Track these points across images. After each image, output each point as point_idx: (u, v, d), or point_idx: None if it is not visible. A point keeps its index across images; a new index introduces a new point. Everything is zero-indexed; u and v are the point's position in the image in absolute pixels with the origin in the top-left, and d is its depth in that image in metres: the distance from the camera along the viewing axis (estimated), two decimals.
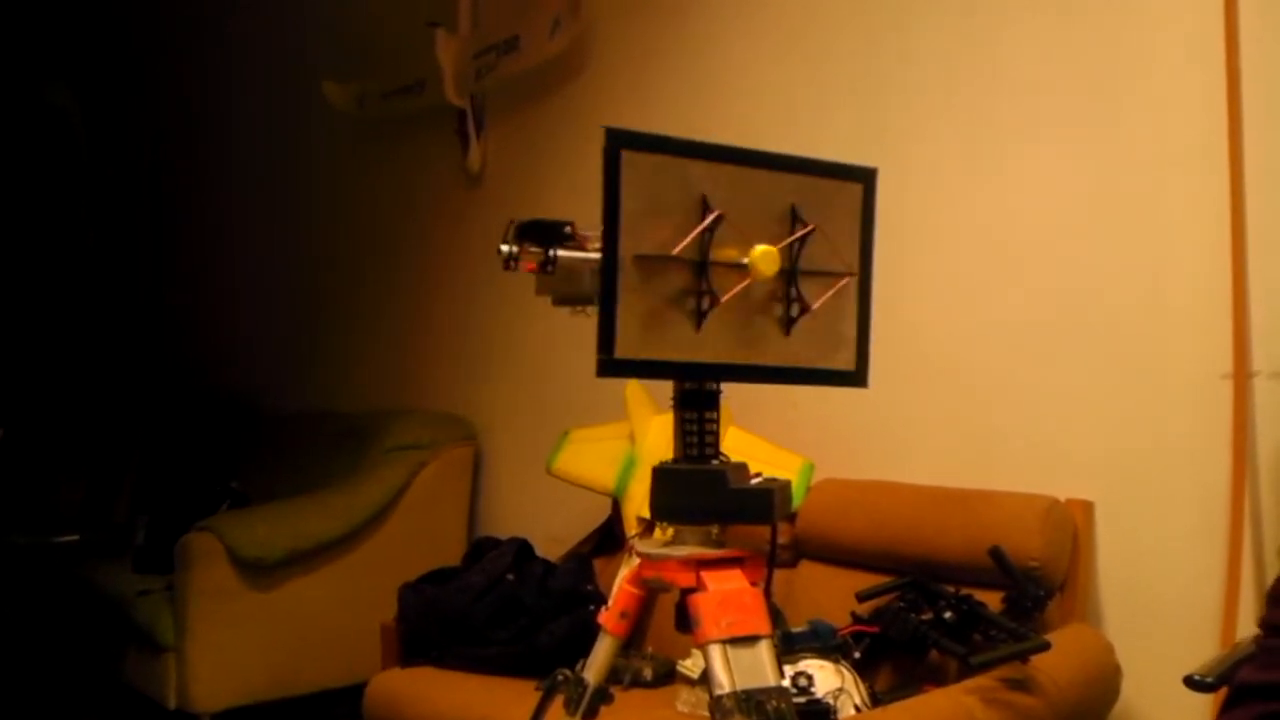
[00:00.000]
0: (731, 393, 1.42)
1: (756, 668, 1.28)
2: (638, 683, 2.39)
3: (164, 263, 5.60)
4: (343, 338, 4.36)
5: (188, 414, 4.83)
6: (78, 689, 3.74)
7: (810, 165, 1.40)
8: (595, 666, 1.48)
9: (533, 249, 1.37)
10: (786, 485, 1.39)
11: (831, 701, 1.89)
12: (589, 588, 2.72)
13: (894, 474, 2.47)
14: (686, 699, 2.19)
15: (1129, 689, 2.03)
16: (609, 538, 2.92)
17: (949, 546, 2.17)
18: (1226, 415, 2.00)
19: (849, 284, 1.43)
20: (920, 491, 2.33)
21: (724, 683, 1.26)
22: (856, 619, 2.14)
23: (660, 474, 1.38)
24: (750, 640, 1.29)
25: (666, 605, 1.47)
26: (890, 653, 2.10)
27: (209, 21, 5.08)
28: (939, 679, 2.02)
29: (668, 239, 1.27)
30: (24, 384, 5.37)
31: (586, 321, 1.58)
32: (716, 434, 1.39)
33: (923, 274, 2.50)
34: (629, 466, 2.74)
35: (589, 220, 1.37)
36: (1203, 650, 1.84)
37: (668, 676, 2.37)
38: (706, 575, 1.32)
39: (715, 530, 1.38)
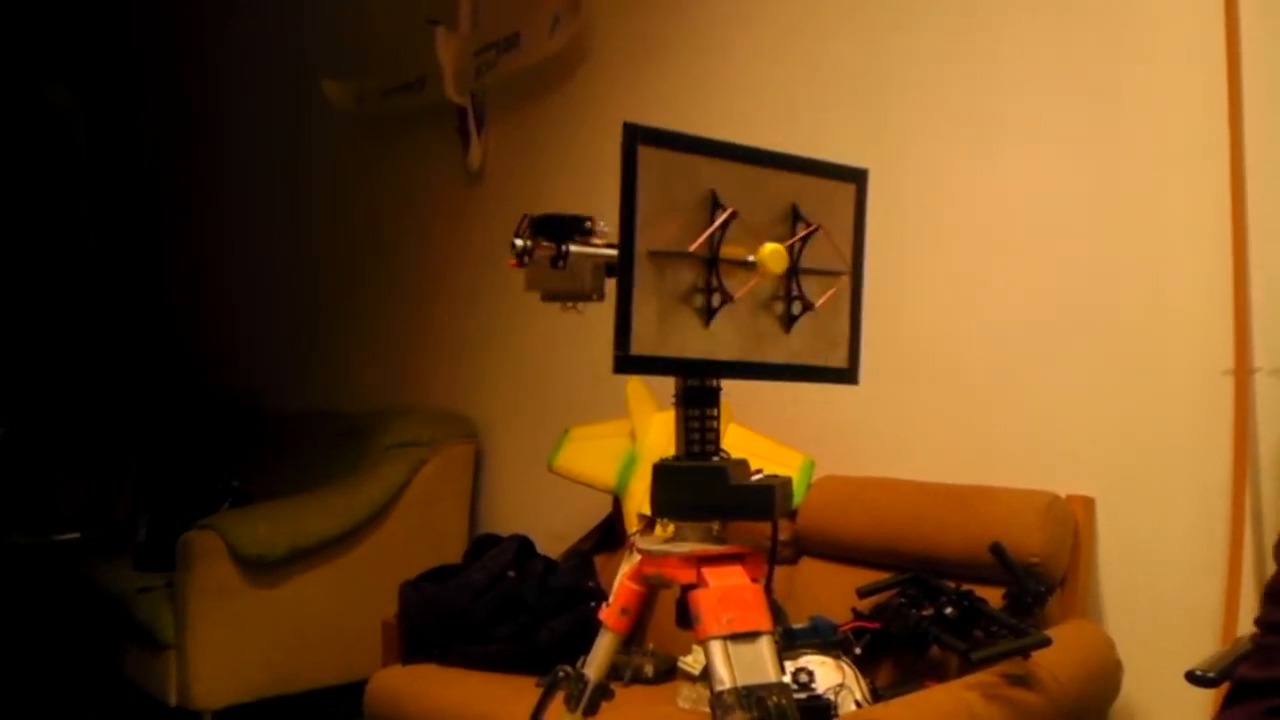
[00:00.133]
0: (730, 390, 1.42)
1: (757, 664, 1.29)
2: (638, 679, 2.39)
3: (164, 262, 5.61)
4: (343, 336, 4.36)
5: (188, 412, 4.84)
6: (79, 686, 3.74)
7: (808, 165, 1.41)
8: (596, 663, 1.49)
9: (545, 243, 1.37)
10: (787, 482, 1.39)
11: (832, 697, 1.89)
12: (590, 585, 2.73)
13: (895, 470, 2.47)
14: (687, 695, 2.19)
15: (1130, 685, 2.03)
16: (610, 535, 2.92)
17: (950, 543, 2.18)
18: (1227, 411, 2.00)
19: (844, 282, 1.43)
20: (921, 488, 2.33)
21: (725, 678, 1.27)
22: (857, 615, 2.14)
23: (661, 470, 1.38)
24: (751, 636, 1.30)
25: (667, 602, 1.47)
26: (891, 649, 2.11)
27: (209, 21, 5.08)
28: (940, 675, 2.02)
29: (675, 236, 1.28)
30: (25, 382, 5.38)
31: (587, 320, 1.59)
32: (717, 431, 1.40)
33: (924, 271, 2.50)
34: (630, 464, 2.75)
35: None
36: (1204, 646, 1.84)
37: (669, 673, 2.38)
38: (707, 571, 1.33)
39: (716, 526, 1.38)
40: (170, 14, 5.31)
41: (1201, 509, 2.05)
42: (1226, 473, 2.00)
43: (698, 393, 1.39)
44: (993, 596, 2.03)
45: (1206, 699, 1.80)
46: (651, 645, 2.54)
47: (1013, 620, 1.91)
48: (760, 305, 1.37)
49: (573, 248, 1.38)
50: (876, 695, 1.97)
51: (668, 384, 1.42)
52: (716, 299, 1.31)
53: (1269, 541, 1.96)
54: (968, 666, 1.82)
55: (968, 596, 2.03)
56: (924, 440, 2.50)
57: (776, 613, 1.84)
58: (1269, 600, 0.94)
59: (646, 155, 1.25)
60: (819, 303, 1.40)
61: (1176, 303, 2.10)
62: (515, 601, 2.63)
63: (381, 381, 4.14)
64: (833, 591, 2.29)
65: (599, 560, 2.86)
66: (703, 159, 1.30)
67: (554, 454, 2.88)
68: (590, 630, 1.53)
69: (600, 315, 1.45)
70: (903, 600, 2.09)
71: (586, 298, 1.47)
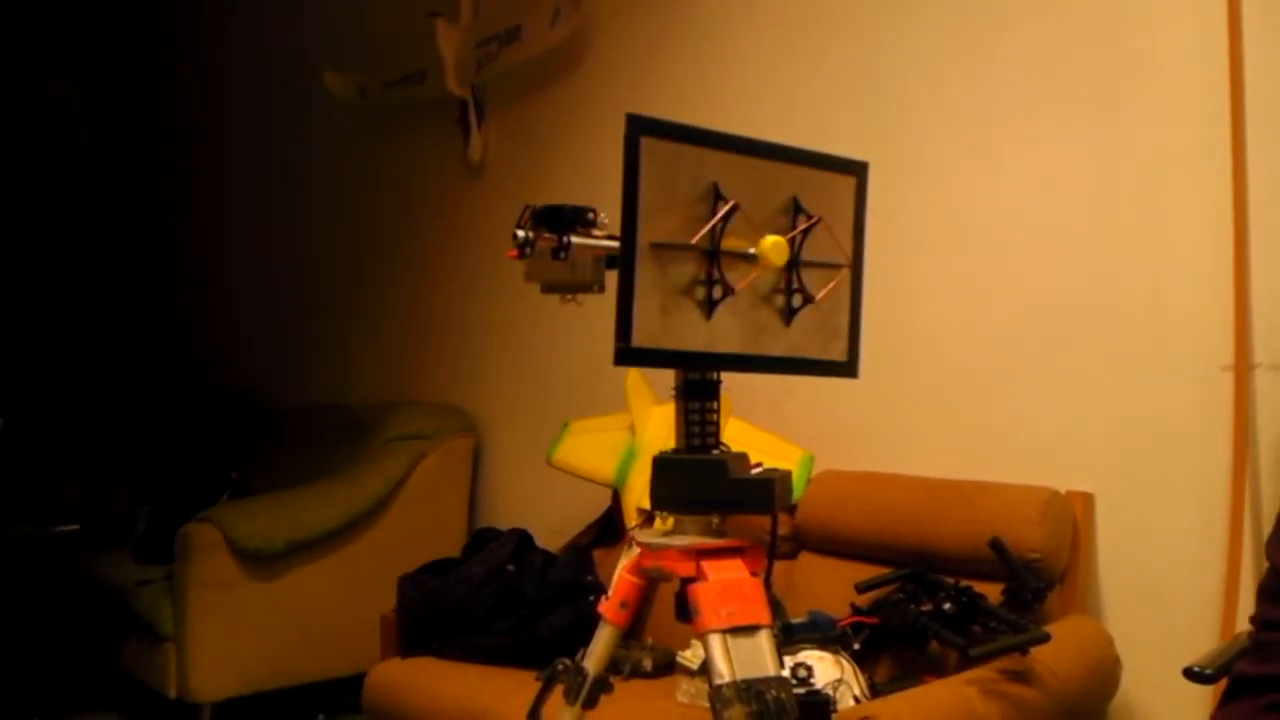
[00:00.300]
0: (730, 384, 1.42)
1: (756, 657, 1.28)
2: (637, 673, 2.39)
3: (164, 254, 5.60)
4: (343, 329, 4.36)
5: (188, 405, 4.83)
6: (78, 678, 3.75)
7: (809, 157, 1.40)
8: (595, 656, 1.48)
9: (547, 235, 1.37)
10: (787, 475, 1.39)
11: (831, 692, 1.89)
12: (589, 579, 2.73)
13: (894, 466, 2.47)
14: (686, 689, 2.19)
15: (1129, 681, 2.03)
16: (609, 529, 2.92)
17: (949, 538, 2.17)
18: (1227, 407, 2.00)
19: (844, 275, 1.43)
20: (921, 483, 2.33)
21: (724, 672, 1.26)
22: (856, 610, 2.14)
23: (661, 463, 1.38)
24: (750, 630, 1.30)
25: (666, 597, 1.47)
26: (890, 644, 2.11)
27: (210, 15, 5.07)
28: (938, 670, 2.02)
29: (677, 227, 1.27)
30: (25, 374, 5.37)
31: (587, 313, 1.58)
32: (717, 424, 1.39)
33: (924, 267, 2.50)
34: (629, 457, 2.74)
35: None
36: (1203, 642, 1.84)
37: (667, 667, 2.38)
38: (707, 565, 1.32)
39: (716, 520, 1.38)
40: (172, 8, 5.30)
41: (1201, 505, 2.05)
42: (1226, 468, 2.00)
43: (698, 386, 1.39)
44: (992, 592, 2.02)
45: (1205, 695, 1.80)
46: (650, 639, 2.54)
47: (1012, 616, 1.90)
48: (761, 298, 1.36)
49: (574, 239, 1.38)
50: (875, 690, 1.97)
51: (666, 377, 1.42)
52: (718, 291, 1.30)
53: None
54: (966, 662, 1.82)
55: (967, 592, 2.02)
56: (923, 435, 2.50)
57: (776, 607, 1.85)
58: (1263, 598, 0.94)
59: (649, 146, 1.24)
60: (819, 295, 1.39)
61: (1176, 298, 2.10)
62: (514, 595, 2.63)
63: (381, 375, 4.14)
64: (832, 586, 2.28)
65: (598, 554, 2.86)
66: (705, 150, 1.30)
67: (553, 447, 2.88)
68: (589, 624, 1.53)
69: (600, 308, 1.44)
70: (902, 595, 2.09)
71: (587, 289, 1.47)
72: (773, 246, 1.30)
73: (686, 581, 1.33)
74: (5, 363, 5.32)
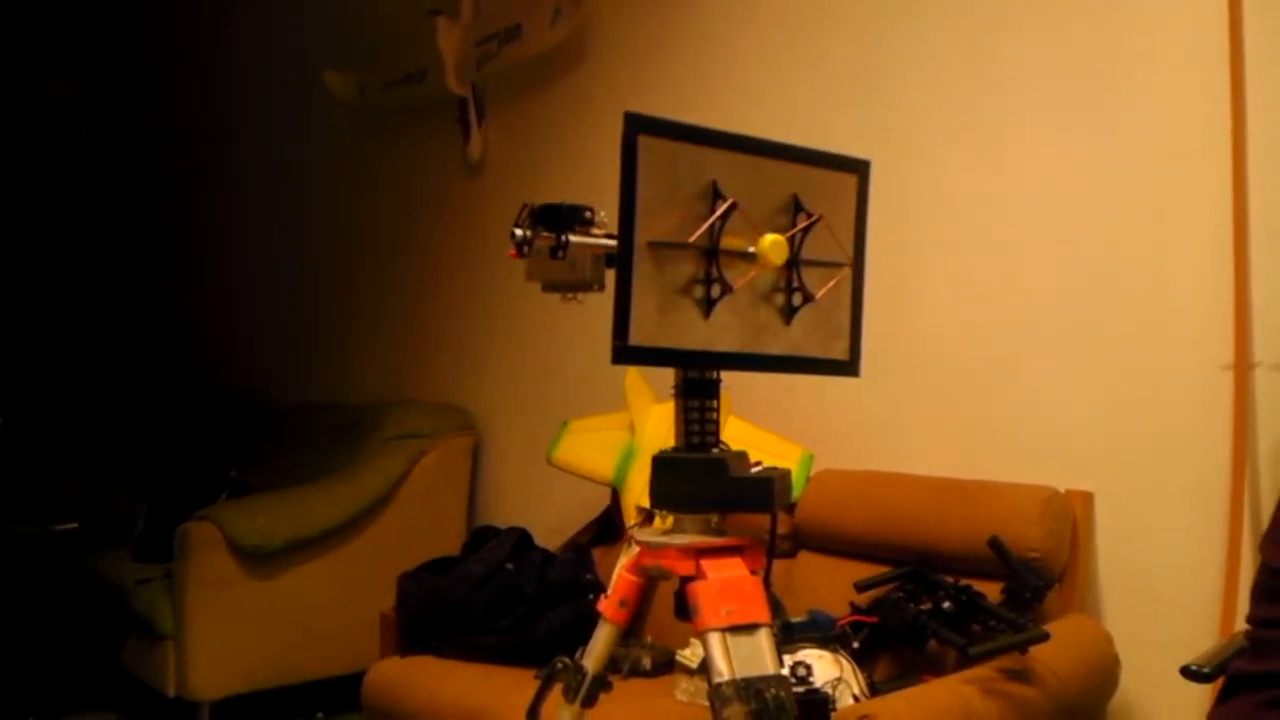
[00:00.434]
0: (729, 382, 1.42)
1: (755, 656, 1.28)
2: (636, 672, 2.39)
3: (164, 253, 5.60)
4: (342, 327, 4.36)
5: (188, 404, 4.83)
6: (77, 676, 3.75)
7: (810, 155, 1.40)
8: (594, 654, 1.48)
9: (545, 234, 1.37)
10: (787, 474, 1.39)
11: (830, 691, 1.89)
12: (588, 577, 2.73)
13: (894, 464, 2.47)
14: (685, 688, 2.19)
15: (1128, 679, 2.03)
16: (608, 528, 2.92)
17: (948, 537, 2.17)
18: (1227, 406, 2.00)
19: (845, 274, 1.43)
20: (920, 482, 2.33)
21: (723, 671, 1.26)
22: (855, 609, 2.14)
23: (661, 462, 1.37)
24: (749, 629, 1.29)
25: (665, 596, 1.47)
26: (889, 643, 2.11)
27: (210, 14, 5.07)
28: (938, 669, 2.02)
29: (675, 226, 1.27)
30: (24, 372, 5.37)
31: (586, 311, 1.58)
32: (717, 423, 1.39)
33: (924, 267, 2.50)
34: (628, 456, 2.74)
35: None
36: (1202, 641, 1.84)
37: (667, 666, 2.38)
38: (706, 563, 1.32)
39: (715, 519, 1.38)
40: (172, 8, 5.30)
41: (1200, 504, 2.05)
42: (1226, 468, 2.00)
43: (697, 384, 1.38)
44: (991, 591, 2.03)
45: (1204, 693, 1.80)
46: (650, 638, 2.54)
47: (1011, 615, 1.91)
48: (760, 296, 1.36)
49: (573, 238, 1.38)
50: (874, 689, 1.97)
51: (666, 376, 1.42)
52: (716, 290, 1.30)
53: None
54: (965, 661, 1.82)
55: (966, 591, 2.03)
56: (923, 434, 2.50)
57: (775, 606, 1.84)
58: (1258, 597, 0.94)
59: (647, 144, 1.24)
60: (820, 294, 1.39)
61: (1176, 298, 2.10)
62: (514, 593, 2.63)
63: (381, 373, 4.14)
64: (831, 585, 2.28)
65: (597, 553, 2.86)
66: (704, 149, 1.29)
67: (552, 446, 2.88)
68: (588, 622, 1.52)
69: (599, 308, 1.44)
70: (901, 594, 2.09)
71: (587, 288, 1.47)
72: (771, 245, 1.30)
73: (686, 580, 1.33)
74: (5, 362, 5.32)
